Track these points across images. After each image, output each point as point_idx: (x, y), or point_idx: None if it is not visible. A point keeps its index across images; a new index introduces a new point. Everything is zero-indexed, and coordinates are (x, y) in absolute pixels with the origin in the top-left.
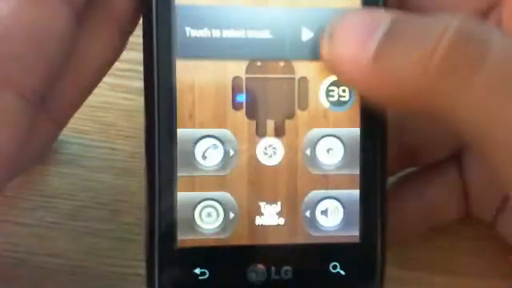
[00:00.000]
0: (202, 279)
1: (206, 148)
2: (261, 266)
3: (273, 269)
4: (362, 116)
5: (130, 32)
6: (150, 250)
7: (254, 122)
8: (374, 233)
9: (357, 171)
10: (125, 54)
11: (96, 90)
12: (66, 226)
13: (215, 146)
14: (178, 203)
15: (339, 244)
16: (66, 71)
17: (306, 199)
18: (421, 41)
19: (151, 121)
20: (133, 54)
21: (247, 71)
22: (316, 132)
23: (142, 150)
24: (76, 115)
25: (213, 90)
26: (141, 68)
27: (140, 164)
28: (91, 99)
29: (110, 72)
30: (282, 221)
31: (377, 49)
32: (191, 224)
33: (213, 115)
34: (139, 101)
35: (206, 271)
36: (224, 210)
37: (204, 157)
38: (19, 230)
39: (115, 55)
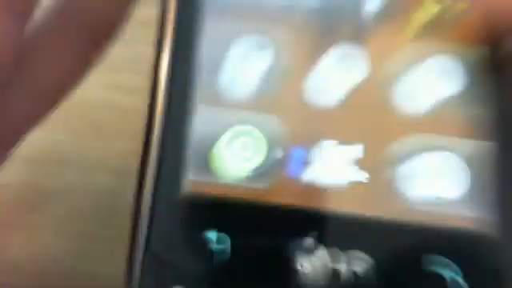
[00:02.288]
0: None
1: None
2: None
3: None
4: None
5: (109, 34)
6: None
7: None
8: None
9: None
10: (120, 51)
11: (88, 88)
12: (61, 228)
13: None
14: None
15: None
16: (14, 94)
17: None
18: None
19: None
20: (128, 51)
21: None
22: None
23: (139, 150)
24: (69, 114)
25: None
26: (137, 66)
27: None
28: (85, 98)
29: (104, 69)
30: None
31: None
32: None
33: None
34: (135, 99)
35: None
36: None
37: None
38: (12, 233)
39: (89, 65)
